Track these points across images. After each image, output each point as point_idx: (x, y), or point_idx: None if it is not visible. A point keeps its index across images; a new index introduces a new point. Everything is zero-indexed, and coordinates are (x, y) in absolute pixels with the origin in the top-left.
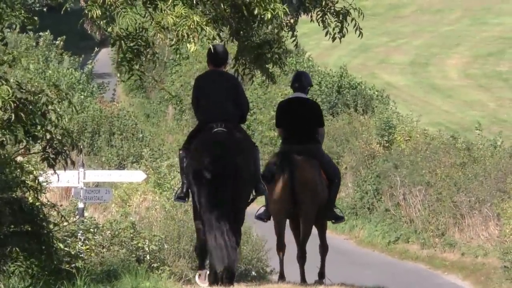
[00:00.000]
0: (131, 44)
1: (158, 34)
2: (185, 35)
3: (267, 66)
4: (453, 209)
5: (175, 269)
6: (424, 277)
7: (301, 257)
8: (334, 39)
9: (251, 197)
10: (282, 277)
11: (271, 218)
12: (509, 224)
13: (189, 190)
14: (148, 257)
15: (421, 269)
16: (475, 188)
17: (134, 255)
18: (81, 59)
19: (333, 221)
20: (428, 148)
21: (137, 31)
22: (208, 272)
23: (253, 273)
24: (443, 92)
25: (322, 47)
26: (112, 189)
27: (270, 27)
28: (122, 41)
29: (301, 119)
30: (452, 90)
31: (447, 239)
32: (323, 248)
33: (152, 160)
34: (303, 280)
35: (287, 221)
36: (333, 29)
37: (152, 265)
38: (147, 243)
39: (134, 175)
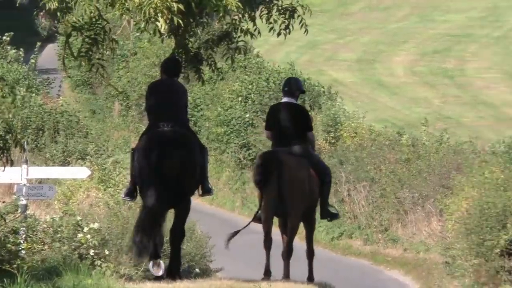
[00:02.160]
0: (88, 34)
1: (124, 15)
2: (152, 13)
3: (201, 67)
4: (397, 205)
5: (118, 266)
6: (367, 272)
7: (287, 254)
8: (279, 35)
9: (197, 195)
10: (267, 273)
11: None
12: (451, 220)
13: (136, 187)
14: (91, 252)
15: (364, 264)
16: (418, 184)
17: (76, 252)
18: (21, 52)
19: (328, 219)
20: (374, 144)
21: (94, 20)
22: (160, 262)
23: (197, 269)
24: (389, 89)
25: (270, 44)
26: (56, 186)
27: (217, 24)
28: (79, 32)
29: (288, 123)
30: (398, 87)
31: (390, 235)
32: (309, 253)
33: (97, 157)
34: (287, 276)
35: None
36: (280, 26)
37: (95, 262)
38: (89, 237)
39: (79, 172)
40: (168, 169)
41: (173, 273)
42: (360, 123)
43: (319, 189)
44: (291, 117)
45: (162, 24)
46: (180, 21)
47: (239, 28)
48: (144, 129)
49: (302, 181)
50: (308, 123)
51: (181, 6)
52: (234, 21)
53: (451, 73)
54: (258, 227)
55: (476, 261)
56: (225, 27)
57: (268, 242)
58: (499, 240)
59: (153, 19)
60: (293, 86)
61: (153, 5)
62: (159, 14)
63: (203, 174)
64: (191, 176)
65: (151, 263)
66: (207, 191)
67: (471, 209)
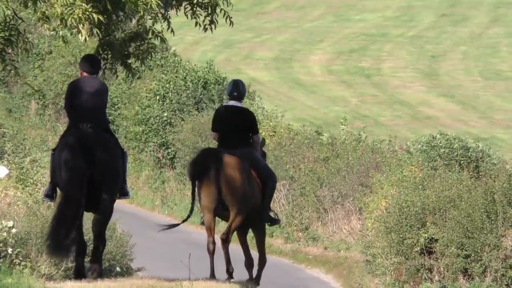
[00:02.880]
0: (3, 34)
1: (45, 25)
2: (74, 24)
3: (129, 61)
4: (316, 204)
5: (38, 265)
6: (288, 271)
7: (225, 243)
8: (205, 29)
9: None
10: (213, 277)
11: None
12: (371, 218)
13: (56, 188)
14: (9, 250)
15: (284, 263)
16: (338, 183)
17: None
18: None
19: (268, 223)
20: (292, 143)
21: (8, 21)
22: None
23: (118, 268)
24: (306, 88)
25: (186, 43)
26: None
27: (134, 21)
28: None
29: (236, 126)
30: (315, 86)
31: (310, 233)
32: (262, 261)
33: (15, 156)
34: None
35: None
36: (203, 21)
37: (14, 260)
38: (5, 235)
39: None
40: (90, 174)
41: (94, 271)
42: (279, 122)
43: (261, 193)
44: (237, 120)
45: (83, 35)
46: (99, 32)
47: (150, 30)
48: (62, 128)
49: (242, 181)
50: (254, 126)
51: (101, 17)
52: (143, 23)
53: (367, 72)
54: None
55: (397, 260)
56: (137, 28)
57: (212, 246)
58: (419, 238)
59: (75, 30)
60: (242, 90)
61: (75, 16)
62: (80, 25)
63: (123, 178)
64: (114, 182)
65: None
66: (125, 194)
67: (391, 207)
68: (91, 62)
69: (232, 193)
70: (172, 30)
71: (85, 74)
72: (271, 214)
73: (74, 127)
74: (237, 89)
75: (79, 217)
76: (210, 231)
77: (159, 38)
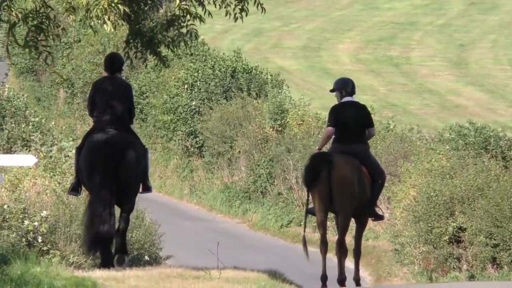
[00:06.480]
0: (34, 23)
1: (70, 15)
2: (99, 15)
3: (159, 50)
4: None
5: (67, 254)
6: (316, 260)
7: (339, 251)
8: (236, 19)
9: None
10: (324, 278)
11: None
12: (399, 208)
13: (82, 184)
14: (39, 239)
15: (312, 252)
16: None
17: (24, 239)
18: None
19: (372, 218)
20: (321, 132)
21: (38, 9)
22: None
23: (146, 257)
24: (335, 77)
25: (215, 31)
26: (2, 174)
27: (162, 10)
28: (23, 21)
29: (353, 120)
30: (343, 75)
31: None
32: (357, 252)
33: (42, 144)
34: (341, 273)
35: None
36: (234, 9)
37: (43, 248)
38: (36, 224)
39: (25, 159)
40: (116, 172)
41: (122, 261)
42: (307, 110)
43: (370, 189)
44: (355, 116)
45: (109, 26)
46: (125, 24)
47: (188, 12)
48: (86, 122)
49: (351, 182)
50: (370, 120)
51: (127, 9)
52: (182, 6)
53: (396, 61)
54: (206, 214)
55: (425, 249)
56: (172, 11)
57: (324, 246)
58: (447, 227)
59: (100, 21)
60: (354, 87)
61: (101, 7)
62: (106, 17)
63: (145, 173)
64: (137, 181)
65: (116, 257)
66: (147, 189)
67: (419, 196)
68: (111, 62)
69: (342, 194)
70: (209, 13)
71: (107, 73)
72: (377, 209)
73: (99, 129)
74: (350, 87)
75: (111, 213)
76: (322, 230)
77: (198, 19)
